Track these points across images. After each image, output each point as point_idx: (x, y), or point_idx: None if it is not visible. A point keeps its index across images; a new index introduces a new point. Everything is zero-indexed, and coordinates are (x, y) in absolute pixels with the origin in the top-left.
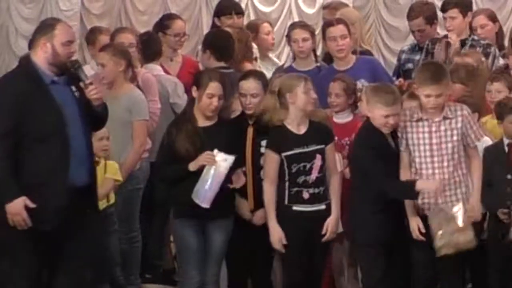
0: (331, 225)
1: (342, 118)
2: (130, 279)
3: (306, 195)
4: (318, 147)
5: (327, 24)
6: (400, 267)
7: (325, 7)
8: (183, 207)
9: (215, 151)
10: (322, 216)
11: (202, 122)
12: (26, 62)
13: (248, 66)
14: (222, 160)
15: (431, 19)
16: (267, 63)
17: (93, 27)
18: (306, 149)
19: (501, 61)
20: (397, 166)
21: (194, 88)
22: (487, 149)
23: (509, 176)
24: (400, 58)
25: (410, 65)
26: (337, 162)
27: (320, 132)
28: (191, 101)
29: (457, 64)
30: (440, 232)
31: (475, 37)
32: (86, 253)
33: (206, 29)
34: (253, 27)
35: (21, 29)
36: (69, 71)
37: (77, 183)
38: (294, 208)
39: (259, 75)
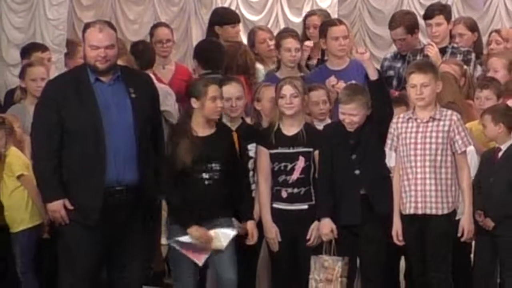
0: (315, 230)
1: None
2: None
3: (284, 194)
4: (304, 149)
5: (330, 24)
6: None
7: (310, 14)
8: (181, 213)
9: (215, 232)
10: (305, 217)
11: (202, 132)
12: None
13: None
14: (224, 238)
15: (412, 29)
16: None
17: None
18: (290, 150)
19: (478, 69)
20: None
21: (193, 100)
22: (483, 154)
23: (491, 179)
24: (383, 65)
25: (391, 72)
26: None
27: (310, 135)
28: (187, 113)
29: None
30: (311, 276)
31: (455, 45)
32: (142, 249)
33: (195, 38)
34: (252, 35)
35: (12, 38)
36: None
37: (121, 181)
38: (274, 205)
39: (237, 79)
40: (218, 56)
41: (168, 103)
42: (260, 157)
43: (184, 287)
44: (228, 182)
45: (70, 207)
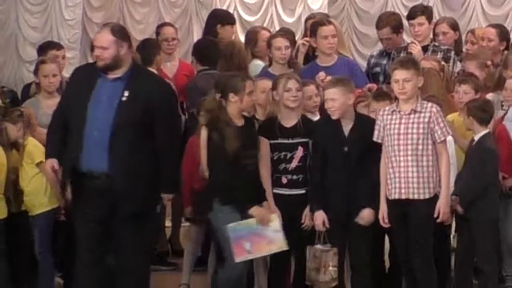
0: (307, 217)
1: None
2: None
3: (284, 180)
4: (303, 140)
5: (320, 24)
6: None
7: (309, 18)
8: (228, 196)
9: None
10: (304, 200)
11: (237, 123)
12: None
13: None
14: (276, 229)
15: (397, 28)
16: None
17: None
18: (290, 141)
19: (458, 65)
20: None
21: (231, 95)
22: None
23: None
24: (370, 62)
25: (377, 69)
26: None
27: (307, 126)
28: (221, 106)
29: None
30: (307, 264)
31: (436, 43)
32: (136, 238)
33: (196, 36)
34: (251, 35)
35: (29, 37)
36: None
37: (93, 170)
38: (274, 191)
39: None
40: (215, 53)
41: None
42: (262, 147)
43: (233, 269)
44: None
45: (56, 167)
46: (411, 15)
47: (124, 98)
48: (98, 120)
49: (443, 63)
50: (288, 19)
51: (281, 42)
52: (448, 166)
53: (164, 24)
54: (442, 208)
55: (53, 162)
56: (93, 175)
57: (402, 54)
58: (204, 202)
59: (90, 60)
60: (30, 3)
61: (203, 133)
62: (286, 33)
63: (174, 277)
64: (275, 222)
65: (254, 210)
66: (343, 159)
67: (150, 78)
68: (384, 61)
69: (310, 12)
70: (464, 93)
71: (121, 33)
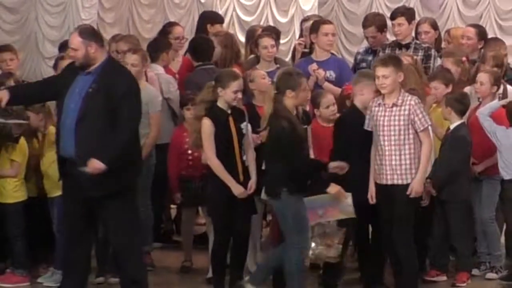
0: None
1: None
2: (144, 240)
3: None
4: (303, 127)
5: (322, 22)
6: None
7: (304, 20)
8: (297, 185)
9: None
10: None
11: None
12: None
13: (236, 69)
14: (348, 204)
15: (382, 28)
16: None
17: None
18: None
19: (438, 61)
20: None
21: (288, 91)
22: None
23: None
24: (356, 58)
25: (364, 64)
26: None
27: (305, 114)
28: (279, 100)
29: None
30: (312, 244)
31: (418, 41)
32: (116, 218)
33: None
34: (251, 33)
35: (48, 35)
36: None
37: (67, 154)
38: None
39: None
40: (208, 49)
41: (172, 90)
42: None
43: (304, 241)
44: None
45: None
46: (392, 16)
47: (90, 90)
48: (70, 110)
49: (415, 57)
50: (282, 19)
51: (267, 41)
52: (428, 152)
53: (174, 24)
54: (414, 186)
55: (3, 93)
56: (66, 160)
57: (387, 51)
58: (271, 190)
59: None
60: (49, 4)
61: (206, 123)
62: (272, 32)
63: (177, 254)
64: (349, 199)
65: (332, 189)
66: None
67: (117, 71)
68: (370, 57)
69: (302, 13)
70: (434, 88)
71: (88, 34)
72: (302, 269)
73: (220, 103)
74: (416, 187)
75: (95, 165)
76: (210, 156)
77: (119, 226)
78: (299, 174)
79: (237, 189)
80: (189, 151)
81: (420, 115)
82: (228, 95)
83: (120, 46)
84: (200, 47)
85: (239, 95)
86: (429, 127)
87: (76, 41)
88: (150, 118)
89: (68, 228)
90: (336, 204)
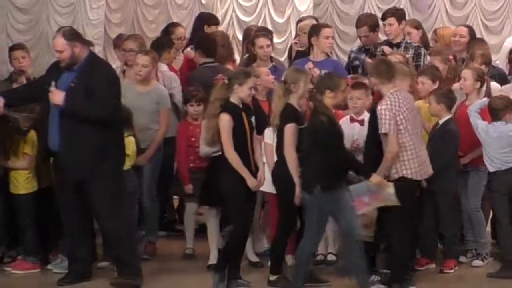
0: None
1: None
2: (151, 230)
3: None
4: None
5: (323, 26)
6: None
7: (299, 21)
8: (332, 182)
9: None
10: None
11: None
12: None
13: (230, 66)
14: (390, 193)
15: (374, 27)
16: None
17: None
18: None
19: (428, 59)
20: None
21: (328, 91)
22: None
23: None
24: (350, 56)
25: (357, 62)
26: None
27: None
28: (318, 98)
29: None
30: None
31: (408, 40)
32: (100, 204)
33: None
34: (247, 33)
35: None
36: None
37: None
38: None
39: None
40: (214, 46)
41: (174, 86)
42: (294, 132)
43: (320, 237)
44: None
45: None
46: (383, 17)
47: (72, 84)
48: (55, 105)
49: (407, 56)
50: (279, 20)
51: (263, 41)
52: (387, 154)
53: (176, 25)
54: (373, 176)
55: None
56: (52, 151)
57: (378, 49)
58: (306, 184)
59: (110, 55)
60: (59, 5)
61: (226, 118)
62: (267, 33)
63: (180, 242)
64: (391, 188)
65: (374, 178)
66: None
67: (96, 66)
68: (362, 56)
69: (298, 13)
70: (422, 83)
71: (71, 35)
72: (311, 260)
73: (234, 99)
74: (374, 177)
75: (57, 95)
76: (229, 150)
77: (104, 212)
78: (336, 169)
79: (253, 182)
80: (196, 144)
81: (381, 121)
82: (244, 92)
83: (128, 45)
84: (207, 45)
85: (253, 91)
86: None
87: (61, 43)
88: (159, 115)
89: (66, 219)
90: (380, 191)
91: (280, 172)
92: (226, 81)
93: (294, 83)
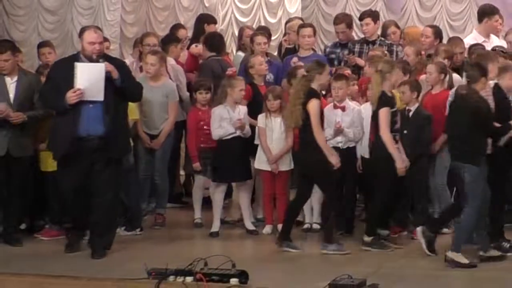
0: None
1: None
2: (161, 203)
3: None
4: None
5: (301, 26)
6: None
7: (288, 21)
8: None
9: None
10: None
11: None
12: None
13: (226, 59)
14: None
15: (350, 25)
16: None
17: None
18: None
19: (400, 55)
20: None
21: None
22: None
23: (404, 132)
24: (325, 50)
25: (333, 56)
26: None
27: None
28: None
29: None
30: None
31: (382, 38)
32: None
33: None
34: (240, 32)
35: None
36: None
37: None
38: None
39: None
40: (220, 43)
41: (180, 78)
42: (388, 115)
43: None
44: None
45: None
46: (361, 17)
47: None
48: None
49: (385, 52)
50: (272, 20)
51: (261, 39)
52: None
53: (179, 27)
54: None
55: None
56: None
57: (357, 46)
58: (473, 157)
59: (125, 51)
60: (82, 7)
61: (317, 103)
62: (265, 31)
63: (187, 213)
64: None
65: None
66: None
67: (110, 58)
68: (338, 50)
69: (288, 15)
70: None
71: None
72: (473, 227)
73: (315, 86)
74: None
75: (113, 68)
76: (319, 131)
77: (102, 188)
78: (486, 142)
79: (335, 158)
80: (205, 127)
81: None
82: (324, 79)
83: (151, 40)
84: (213, 40)
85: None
86: None
87: (101, 36)
88: (169, 106)
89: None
90: None
91: (378, 149)
92: (305, 73)
93: (389, 72)
